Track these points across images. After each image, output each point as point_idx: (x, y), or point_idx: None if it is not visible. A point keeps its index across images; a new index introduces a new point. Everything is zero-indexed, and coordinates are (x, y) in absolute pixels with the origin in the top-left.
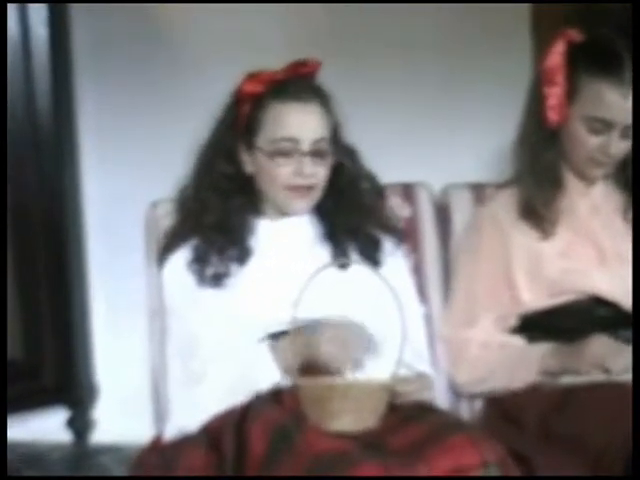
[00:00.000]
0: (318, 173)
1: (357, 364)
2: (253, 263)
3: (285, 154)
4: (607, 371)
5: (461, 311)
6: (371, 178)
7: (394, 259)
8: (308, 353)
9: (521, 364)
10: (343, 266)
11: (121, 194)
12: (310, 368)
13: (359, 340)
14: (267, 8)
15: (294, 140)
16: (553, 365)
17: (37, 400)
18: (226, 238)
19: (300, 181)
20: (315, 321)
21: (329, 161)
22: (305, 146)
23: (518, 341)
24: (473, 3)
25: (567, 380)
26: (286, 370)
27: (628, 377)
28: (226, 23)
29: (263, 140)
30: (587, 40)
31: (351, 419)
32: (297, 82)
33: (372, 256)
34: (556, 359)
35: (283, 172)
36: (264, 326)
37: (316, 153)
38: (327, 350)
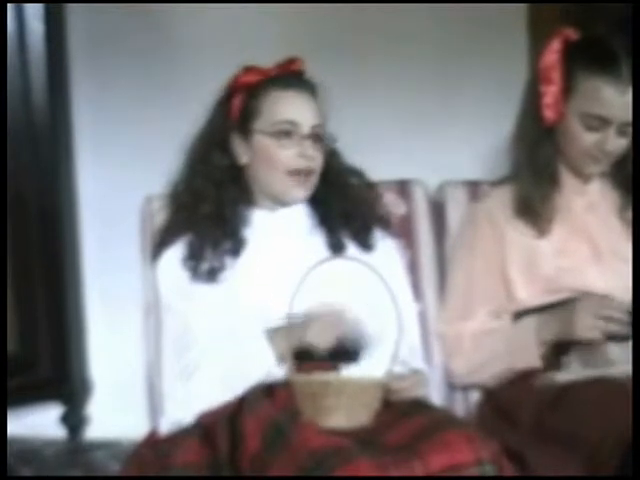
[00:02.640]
0: (317, 157)
1: (349, 356)
2: (248, 255)
3: (287, 134)
4: (606, 321)
5: (457, 307)
6: (357, 173)
7: (386, 248)
8: (298, 337)
9: (518, 342)
10: (338, 257)
11: (116, 188)
12: (303, 355)
13: (348, 326)
14: (265, 6)
15: (294, 123)
16: (550, 334)
17: (31, 395)
18: (220, 230)
19: (302, 163)
20: (309, 313)
21: (324, 147)
22: (305, 129)
23: (508, 324)
24: (470, 3)
25: (563, 377)
26: (280, 358)
27: (625, 369)
28: (223, 19)
29: (263, 124)
30: (583, 38)
31: (345, 416)
32: (289, 76)
33: (365, 241)
34: (551, 327)
35: (285, 154)
36: (259, 319)
37: (315, 137)
38: (313, 330)
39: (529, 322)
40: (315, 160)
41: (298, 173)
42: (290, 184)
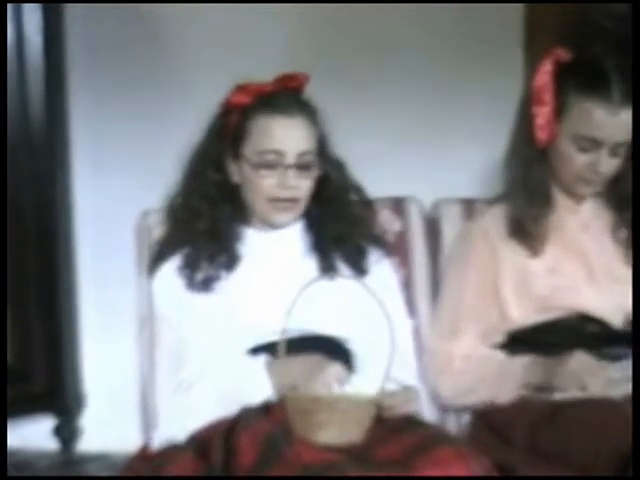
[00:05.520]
0: (301, 186)
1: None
2: (242, 272)
3: (269, 166)
4: (584, 389)
5: (447, 323)
6: (358, 190)
7: (380, 269)
8: (297, 380)
9: (503, 377)
10: (331, 278)
11: (112, 201)
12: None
13: (339, 366)
14: (261, 17)
15: (279, 153)
16: (534, 378)
17: (24, 407)
18: (216, 245)
19: (283, 193)
20: (301, 338)
21: (314, 174)
22: (290, 159)
23: (500, 355)
24: (465, 19)
25: (558, 395)
26: (277, 390)
27: (623, 390)
28: (221, 31)
29: (249, 151)
30: (575, 59)
31: (336, 432)
32: (284, 95)
33: (358, 265)
34: (537, 372)
35: (266, 184)
36: (254, 336)
37: (300, 166)
38: (317, 384)
39: (518, 362)
40: (298, 189)
41: (279, 201)
42: (272, 210)
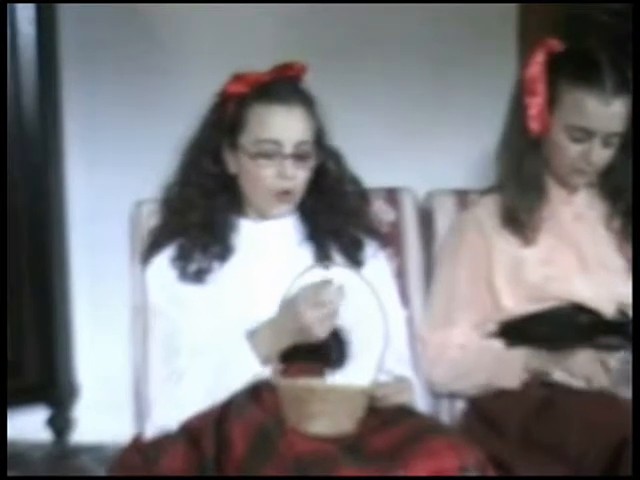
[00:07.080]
0: (299, 176)
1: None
2: (236, 263)
3: (267, 156)
4: (589, 382)
5: (440, 313)
6: (355, 181)
7: (376, 261)
8: (292, 327)
9: (503, 365)
10: (326, 267)
11: (106, 192)
12: (291, 355)
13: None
14: (256, 10)
15: (277, 142)
16: (536, 365)
17: (18, 398)
18: (209, 236)
19: (282, 183)
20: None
21: (311, 164)
22: (287, 149)
23: (498, 344)
24: (460, 10)
25: (559, 377)
26: (265, 359)
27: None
28: (215, 24)
29: (246, 141)
30: (567, 49)
31: (329, 422)
32: (282, 85)
33: (354, 256)
34: (539, 361)
35: (265, 174)
36: (246, 326)
37: (298, 156)
38: (311, 314)
39: (519, 351)
40: (295, 179)
41: (277, 191)
42: (270, 201)
